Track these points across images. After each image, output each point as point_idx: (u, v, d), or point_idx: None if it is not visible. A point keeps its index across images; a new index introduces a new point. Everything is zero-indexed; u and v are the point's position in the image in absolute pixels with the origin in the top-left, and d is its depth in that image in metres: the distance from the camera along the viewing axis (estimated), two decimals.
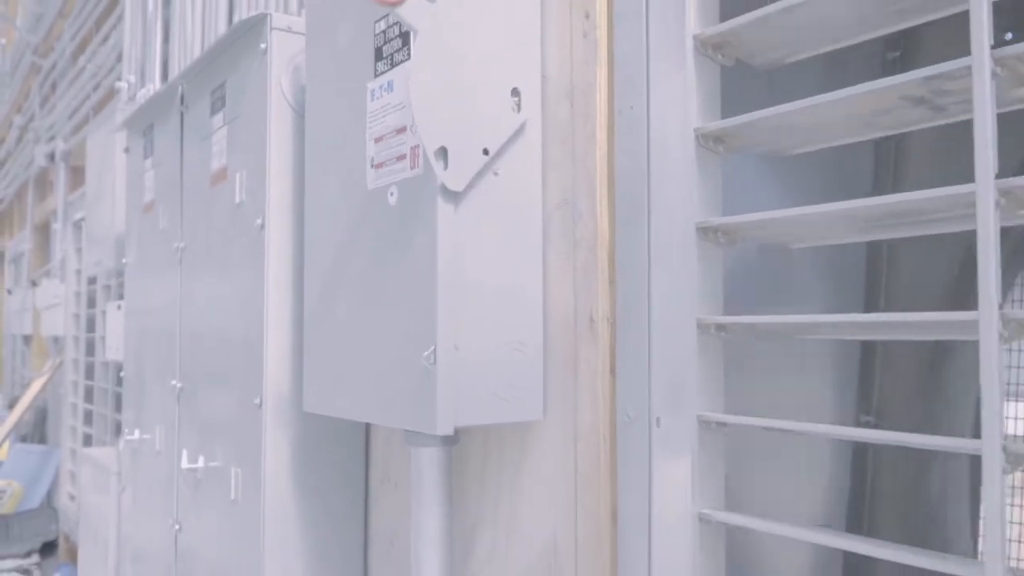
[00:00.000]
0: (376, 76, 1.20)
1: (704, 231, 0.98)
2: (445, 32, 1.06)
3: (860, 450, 1.29)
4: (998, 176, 0.71)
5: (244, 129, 1.59)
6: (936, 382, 1.28)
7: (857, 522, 1.29)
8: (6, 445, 4.93)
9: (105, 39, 3.73)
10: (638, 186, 1.03)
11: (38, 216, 5.62)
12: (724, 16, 1.02)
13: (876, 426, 1.26)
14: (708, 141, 0.98)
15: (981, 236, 0.71)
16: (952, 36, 1.30)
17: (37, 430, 5.31)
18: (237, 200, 1.60)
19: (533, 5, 1.15)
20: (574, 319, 1.10)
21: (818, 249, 1.36)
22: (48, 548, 4.41)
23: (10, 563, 4.10)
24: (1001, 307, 0.71)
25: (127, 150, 2.32)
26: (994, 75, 0.71)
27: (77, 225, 4.19)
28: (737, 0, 1.06)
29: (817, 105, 0.87)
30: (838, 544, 0.85)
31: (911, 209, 0.82)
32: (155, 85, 2.50)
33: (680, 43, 0.99)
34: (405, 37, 1.14)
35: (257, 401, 1.51)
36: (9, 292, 6.18)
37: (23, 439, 5.27)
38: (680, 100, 0.99)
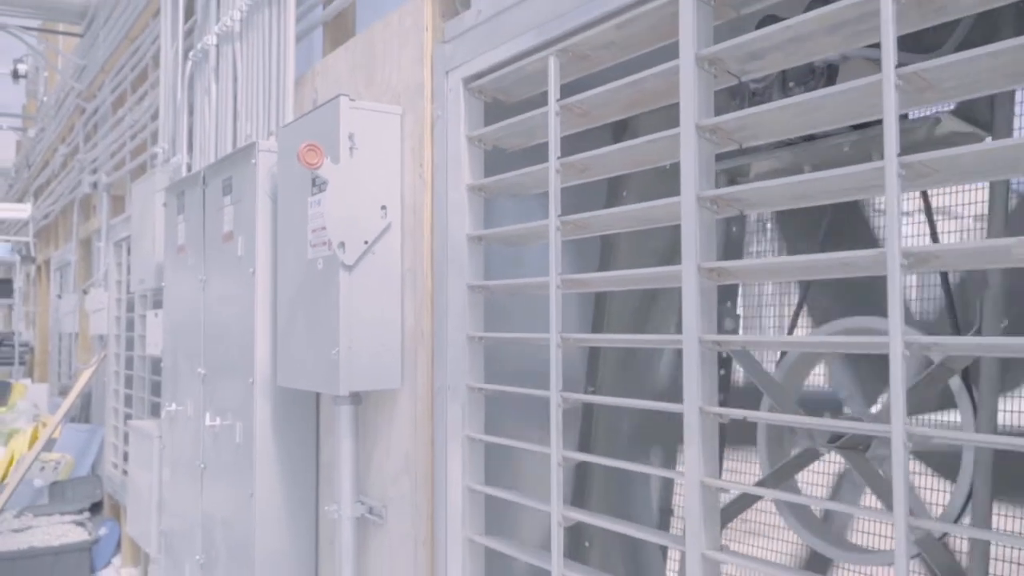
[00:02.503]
0: (312, 194, 2.11)
1: (472, 288, 1.88)
2: (344, 180, 1.97)
3: (587, 412, 2.19)
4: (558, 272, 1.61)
5: (243, 209, 2.51)
6: (631, 362, 2.19)
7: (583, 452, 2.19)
8: (60, 425, 5.90)
9: (141, 99, 4.62)
10: (443, 263, 1.93)
11: (83, 233, 6.53)
12: (488, 171, 1.91)
13: (596, 393, 2.16)
14: (475, 240, 1.89)
15: (551, 303, 1.61)
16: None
17: (83, 412, 6.29)
18: (239, 254, 2.52)
19: (396, 159, 2.06)
20: (415, 333, 2.01)
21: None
22: (95, 507, 5.39)
23: (67, 518, 5.07)
24: (560, 333, 1.60)
25: (165, 205, 3.25)
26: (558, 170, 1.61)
27: (118, 244, 5.12)
28: (501, 160, 1.96)
29: (522, 227, 1.75)
30: (526, 446, 1.75)
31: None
32: (183, 153, 3.43)
33: (461, 186, 1.89)
34: None
35: (250, 380, 2.43)
36: (59, 297, 7.18)
37: (72, 419, 6.23)
38: (461, 216, 1.89)
